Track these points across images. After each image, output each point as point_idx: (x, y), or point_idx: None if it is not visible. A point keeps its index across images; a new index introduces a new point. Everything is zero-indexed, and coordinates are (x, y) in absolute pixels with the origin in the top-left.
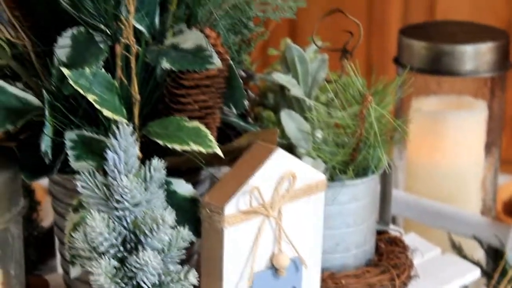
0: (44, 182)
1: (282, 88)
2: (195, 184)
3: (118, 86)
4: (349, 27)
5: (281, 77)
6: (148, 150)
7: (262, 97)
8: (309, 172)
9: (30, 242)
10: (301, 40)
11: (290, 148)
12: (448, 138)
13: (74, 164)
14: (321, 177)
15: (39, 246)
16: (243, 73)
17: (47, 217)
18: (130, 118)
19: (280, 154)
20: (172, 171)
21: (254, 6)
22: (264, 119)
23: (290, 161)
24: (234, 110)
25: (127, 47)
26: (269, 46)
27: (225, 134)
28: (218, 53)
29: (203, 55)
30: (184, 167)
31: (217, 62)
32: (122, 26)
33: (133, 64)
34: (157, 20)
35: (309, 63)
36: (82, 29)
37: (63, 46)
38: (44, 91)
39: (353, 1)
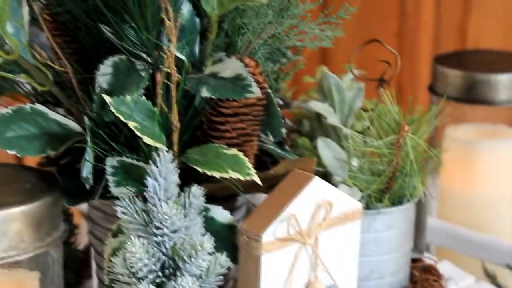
0: (80, 205)
1: (318, 116)
2: (231, 211)
3: (158, 114)
4: (381, 54)
5: (318, 106)
6: (186, 176)
7: (298, 124)
8: (346, 201)
9: (67, 265)
10: (331, 67)
11: (326, 176)
12: (482, 166)
13: (114, 189)
14: (358, 205)
15: (76, 269)
16: (280, 101)
17: (82, 239)
18: (169, 145)
19: (317, 183)
20: (209, 198)
21: (292, 35)
22: (300, 145)
23: (327, 189)
24: (271, 138)
25: (167, 75)
26: (300, 72)
27: (262, 161)
28: (257, 81)
29: (243, 84)
30: (221, 193)
31: (256, 91)
32: (164, 55)
33: (173, 93)
34: (197, 49)
35: (346, 91)
36: (123, 57)
37: (104, 73)
38: (86, 118)
39: (383, 27)
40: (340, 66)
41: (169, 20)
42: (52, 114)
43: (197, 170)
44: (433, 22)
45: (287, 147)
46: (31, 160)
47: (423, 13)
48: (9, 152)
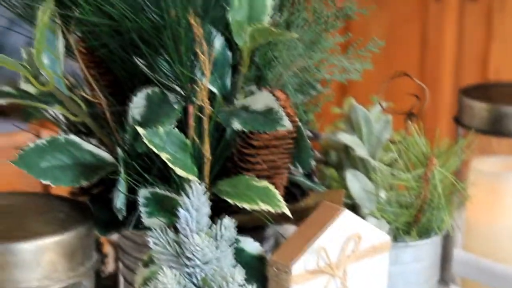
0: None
1: (346, 148)
2: (260, 241)
3: (190, 145)
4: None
5: (346, 138)
6: (216, 207)
7: (325, 155)
8: (374, 233)
9: None
10: (352, 95)
11: (354, 208)
12: (507, 198)
13: (146, 220)
14: (386, 238)
15: None
16: (309, 133)
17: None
18: (200, 177)
19: (346, 215)
20: (238, 229)
21: (322, 68)
22: (327, 176)
23: (356, 222)
24: (301, 170)
25: (200, 108)
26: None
27: (291, 192)
28: (288, 114)
29: (274, 117)
30: (250, 224)
31: (287, 124)
32: (197, 88)
33: (206, 125)
34: (228, 81)
35: (374, 123)
36: (156, 89)
37: (137, 105)
38: (119, 149)
39: (405, 56)
40: (360, 95)
41: (203, 53)
42: (86, 145)
43: (227, 201)
44: (455, 52)
45: (315, 179)
46: (59, 189)
47: (445, 43)
48: (44, 182)
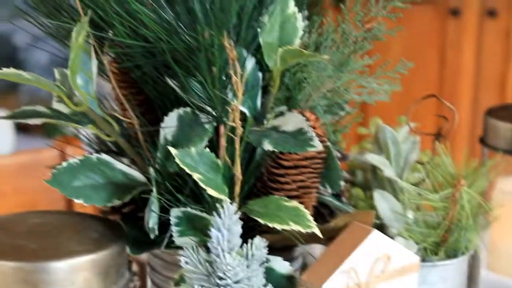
0: None
1: (374, 168)
2: (289, 261)
3: (221, 165)
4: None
5: (374, 158)
6: (246, 226)
7: (351, 174)
8: (403, 254)
9: None
10: (372, 113)
11: (382, 228)
12: None
13: (177, 239)
14: (415, 258)
15: None
16: (338, 153)
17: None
18: (231, 196)
19: (376, 236)
20: (267, 248)
21: (351, 89)
22: (353, 196)
23: (386, 242)
24: (329, 190)
25: (231, 128)
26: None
27: (319, 212)
28: (317, 135)
29: (304, 138)
30: (280, 244)
31: (317, 145)
32: (228, 109)
33: (237, 146)
34: (258, 102)
35: (401, 144)
36: (188, 109)
37: (169, 125)
38: (151, 169)
39: (423, 74)
40: (379, 113)
41: (235, 75)
42: (118, 164)
43: (257, 221)
44: (473, 69)
45: (344, 199)
46: (83, 207)
47: (464, 60)
48: (76, 201)
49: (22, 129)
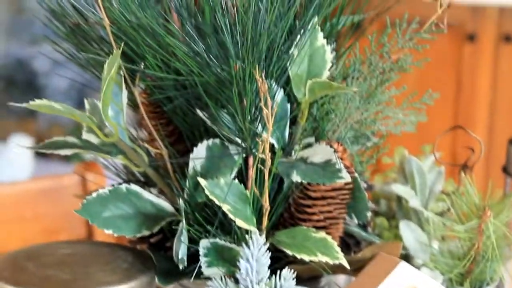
0: None
1: (399, 198)
2: None
3: (250, 196)
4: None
5: (400, 189)
6: (273, 257)
7: (375, 203)
8: (430, 285)
9: None
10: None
11: (407, 258)
12: None
13: (206, 270)
14: None
15: None
16: (364, 184)
17: None
18: (259, 227)
19: (403, 267)
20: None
21: (378, 120)
22: (377, 225)
23: (413, 273)
24: (356, 220)
25: (260, 159)
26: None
27: (345, 242)
28: (345, 166)
29: (333, 170)
30: (306, 274)
31: (346, 176)
32: (258, 140)
33: (266, 177)
34: (287, 133)
35: (427, 174)
36: (217, 141)
37: (198, 156)
38: (180, 200)
39: (439, 99)
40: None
41: (266, 108)
42: (147, 194)
43: (284, 251)
44: (489, 95)
45: (370, 229)
46: (105, 235)
47: (479, 85)
48: (106, 231)
49: (41, 153)
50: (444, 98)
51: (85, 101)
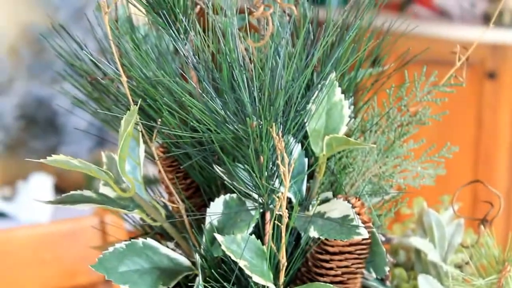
0: None
1: (418, 251)
2: None
3: (267, 252)
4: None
5: (418, 242)
6: None
7: (394, 254)
8: None
9: None
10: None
11: None
12: None
13: None
14: None
15: None
16: (382, 237)
17: None
18: (276, 282)
19: None
20: None
21: (396, 173)
22: (396, 276)
23: None
24: (374, 274)
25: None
26: None
27: None
28: (363, 221)
29: (350, 225)
30: None
31: (363, 232)
32: (275, 196)
33: (283, 233)
34: (304, 188)
35: (446, 227)
36: (234, 196)
37: (215, 211)
38: (197, 256)
39: (460, 135)
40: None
41: (283, 164)
42: (163, 249)
43: None
44: (510, 132)
45: (388, 282)
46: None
47: (500, 123)
48: (122, 287)
49: (61, 192)
50: (465, 135)
51: (102, 154)
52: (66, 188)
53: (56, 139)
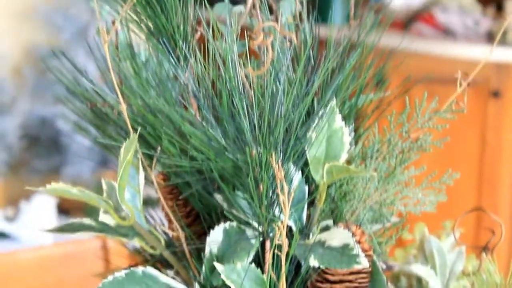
0: None
1: (419, 278)
2: None
3: (267, 281)
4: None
5: (420, 269)
6: None
7: (395, 280)
8: None
9: None
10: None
11: None
12: None
13: None
14: None
15: None
16: (383, 265)
17: None
18: None
19: None
20: None
21: (397, 200)
22: None
23: None
24: None
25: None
26: None
27: None
28: (363, 250)
29: (351, 254)
30: None
31: (363, 262)
32: (274, 225)
33: (283, 262)
34: (304, 216)
35: (447, 254)
36: (234, 224)
37: (215, 239)
38: (196, 284)
39: (464, 154)
40: None
41: (283, 193)
42: (163, 277)
43: None
44: None
45: None
46: None
47: (504, 142)
48: None
49: (64, 211)
50: (469, 154)
51: (102, 181)
52: (69, 209)
53: (59, 159)
